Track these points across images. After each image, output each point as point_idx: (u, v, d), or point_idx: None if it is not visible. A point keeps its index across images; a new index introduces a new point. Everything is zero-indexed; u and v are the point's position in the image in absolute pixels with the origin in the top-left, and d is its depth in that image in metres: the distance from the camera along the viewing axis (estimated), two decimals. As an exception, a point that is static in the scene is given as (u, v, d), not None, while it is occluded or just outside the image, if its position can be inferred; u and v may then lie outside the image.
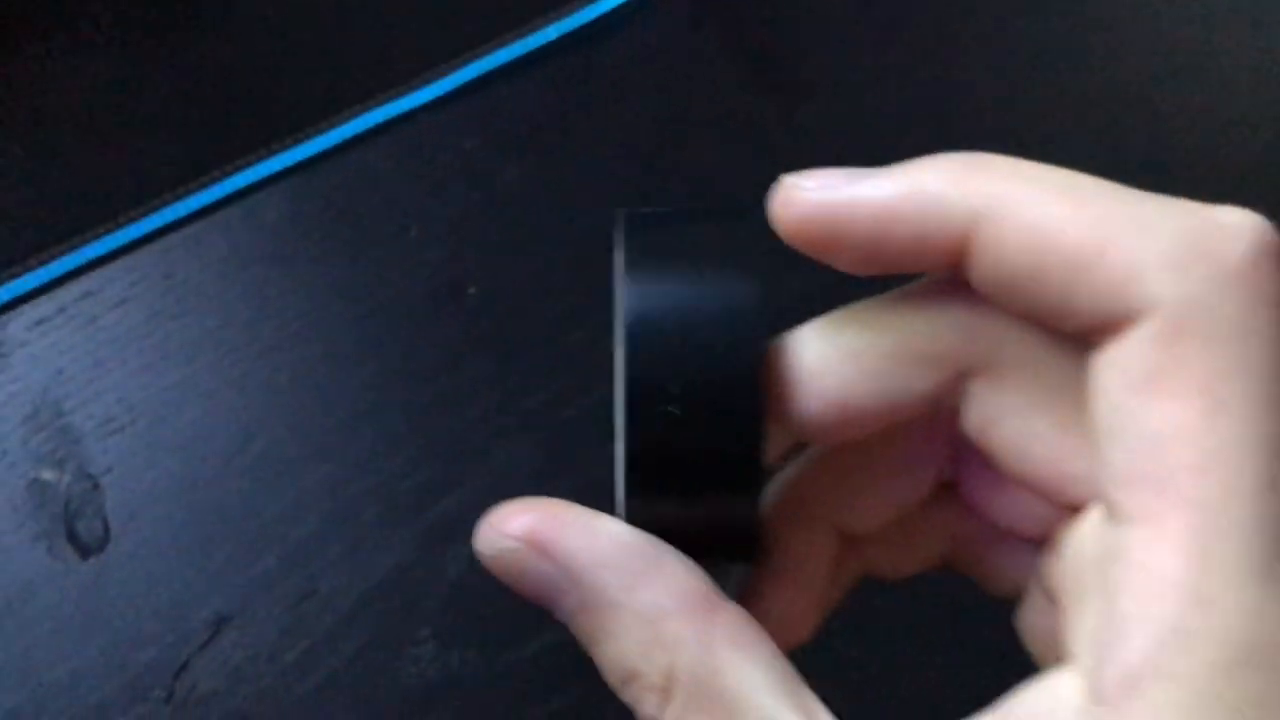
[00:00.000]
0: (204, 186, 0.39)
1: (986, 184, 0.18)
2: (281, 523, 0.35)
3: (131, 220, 0.38)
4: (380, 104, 0.41)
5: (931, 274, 0.20)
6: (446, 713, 0.34)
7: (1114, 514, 0.17)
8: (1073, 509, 0.19)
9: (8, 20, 0.40)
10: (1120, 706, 0.16)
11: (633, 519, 0.19)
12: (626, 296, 0.18)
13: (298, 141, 0.40)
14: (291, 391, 0.37)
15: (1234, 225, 0.17)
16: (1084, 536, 0.18)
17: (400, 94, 0.41)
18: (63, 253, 0.37)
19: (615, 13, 0.43)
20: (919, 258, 0.19)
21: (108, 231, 0.38)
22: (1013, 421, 0.19)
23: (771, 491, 0.22)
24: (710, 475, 0.19)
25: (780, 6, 0.43)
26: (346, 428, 0.36)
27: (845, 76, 0.44)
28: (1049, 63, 0.42)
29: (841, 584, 0.23)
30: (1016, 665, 0.19)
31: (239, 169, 0.39)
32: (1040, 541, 0.21)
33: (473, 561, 0.20)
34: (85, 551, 0.34)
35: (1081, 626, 0.18)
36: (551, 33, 0.42)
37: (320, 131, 0.40)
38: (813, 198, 0.19)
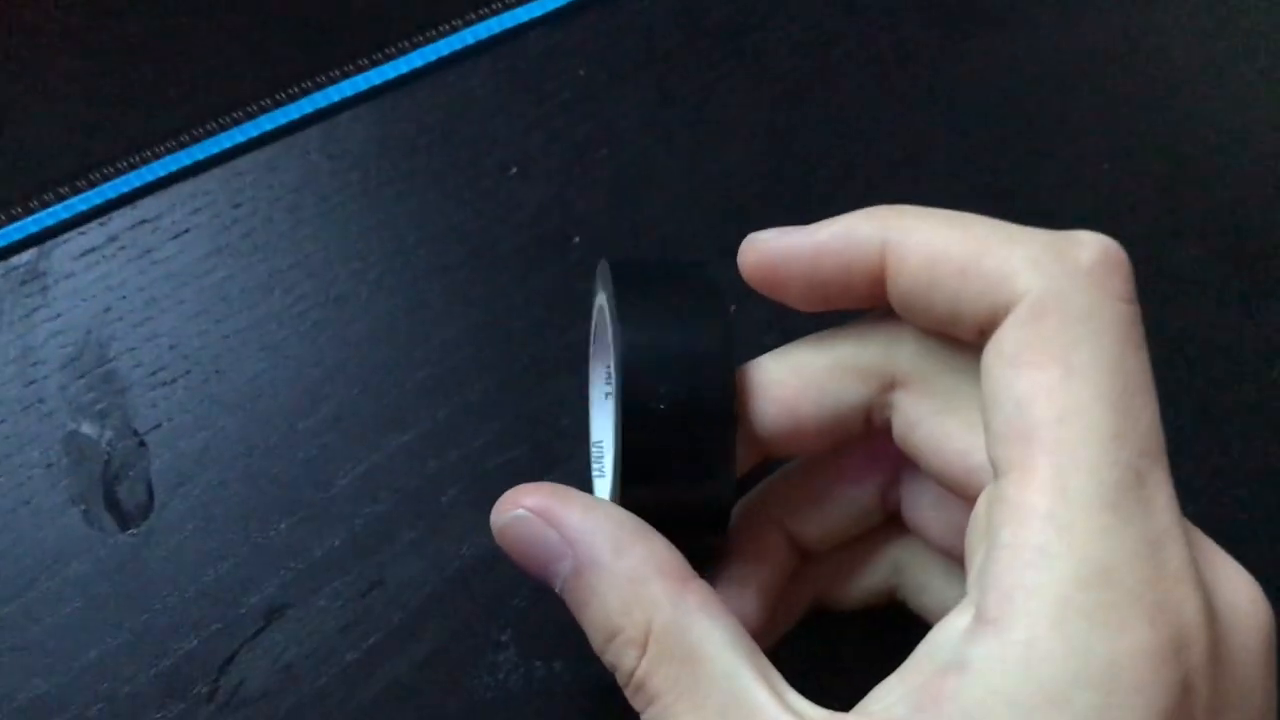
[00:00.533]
0: (279, 104, 0.34)
1: (891, 219, 0.22)
2: (348, 500, 0.30)
3: (196, 139, 0.33)
4: (484, 18, 0.35)
5: (869, 309, 0.24)
6: (527, 733, 0.29)
7: (996, 471, 0.20)
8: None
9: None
10: (997, 622, 0.19)
11: (625, 504, 0.23)
12: (620, 328, 0.23)
13: (387, 58, 0.35)
14: (368, 347, 0.32)
15: (1086, 238, 0.21)
16: (977, 505, 0.21)
17: (508, 6, 0.35)
18: (117, 173, 0.32)
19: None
20: (848, 288, 0.23)
21: (169, 151, 0.33)
22: (928, 424, 0.23)
23: (738, 504, 0.27)
24: (692, 461, 0.23)
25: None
26: (428, 393, 0.31)
27: (1024, 9, 0.38)
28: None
29: (795, 604, 0.27)
30: None
31: (319, 86, 0.34)
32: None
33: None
34: (126, 520, 0.29)
35: (971, 571, 0.21)
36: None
37: (413, 47, 0.35)
38: (765, 245, 0.23)
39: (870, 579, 0.27)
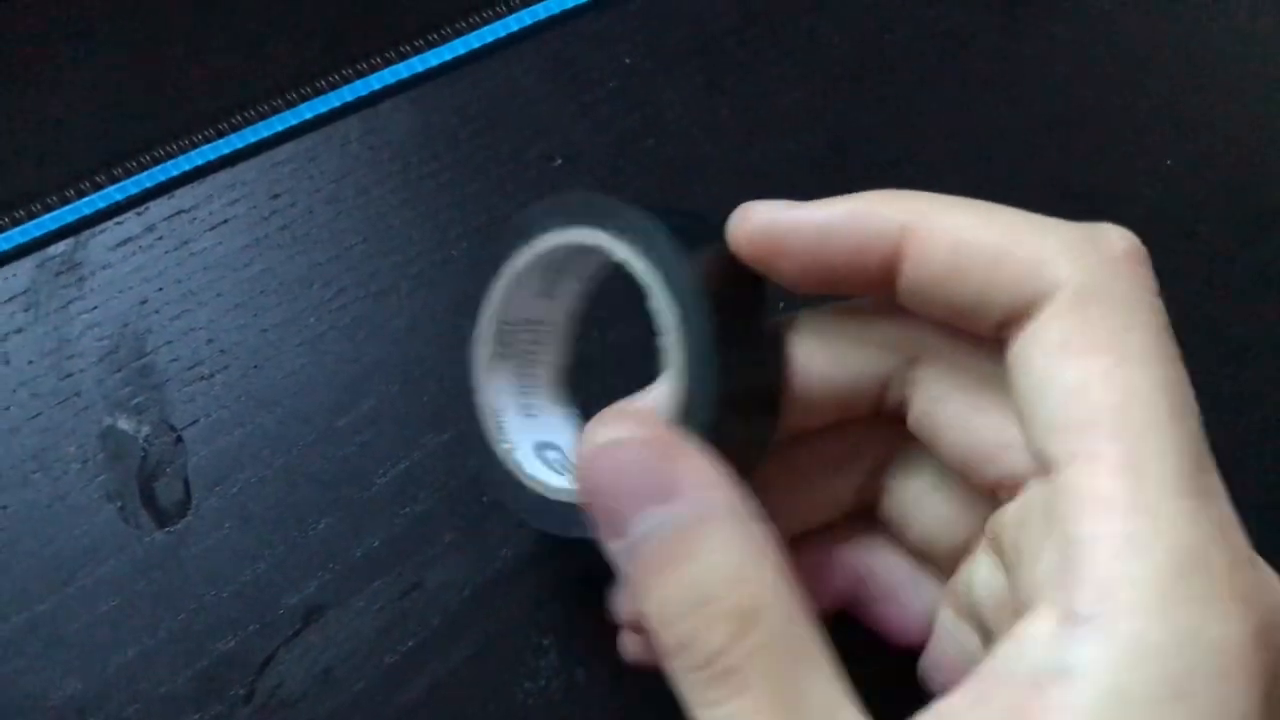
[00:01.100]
0: (319, 93, 0.33)
1: (911, 203, 0.21)
2: (387, 500, 0.29)
3: (234, 128, 0.32)
4: (528, 4, 0.34)
5: (869, 296, 0.23)
6: (569, 741, 0.28)
7: (1048, 465, 0.19)
8: (995, 490, 0.22)
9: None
10: (1097, 619, 0.17)
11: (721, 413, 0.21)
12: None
13: (429, 45, 0.34)
14: (409, 343, 0.31)
15: (1113, 230, 0.21)
16: (1026, 501, 0.21)
17: (553, -8, 0.34)
18: (154, 161, 0.32)
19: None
20: (856, 270, 0.22)
21: (206, 140, 0.32)
22: (955, 400, 0.22)
23: None
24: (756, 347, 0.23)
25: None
26: (469, 391, 0.31)
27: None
28: None
29: None
30: None
31: (360, 74, 0.33)
32: (949, 561, 0.24)
33: (605, 563, 0.20)
34: (162, 518, 0.29)
35: (1038, 571, 0.19)
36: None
37: (456, 34, 0.34)
38: (766, 216, 0.22)
39: (839, 581, 0.26)
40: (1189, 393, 0.19)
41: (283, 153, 0.33)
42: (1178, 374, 0.19)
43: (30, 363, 0.30)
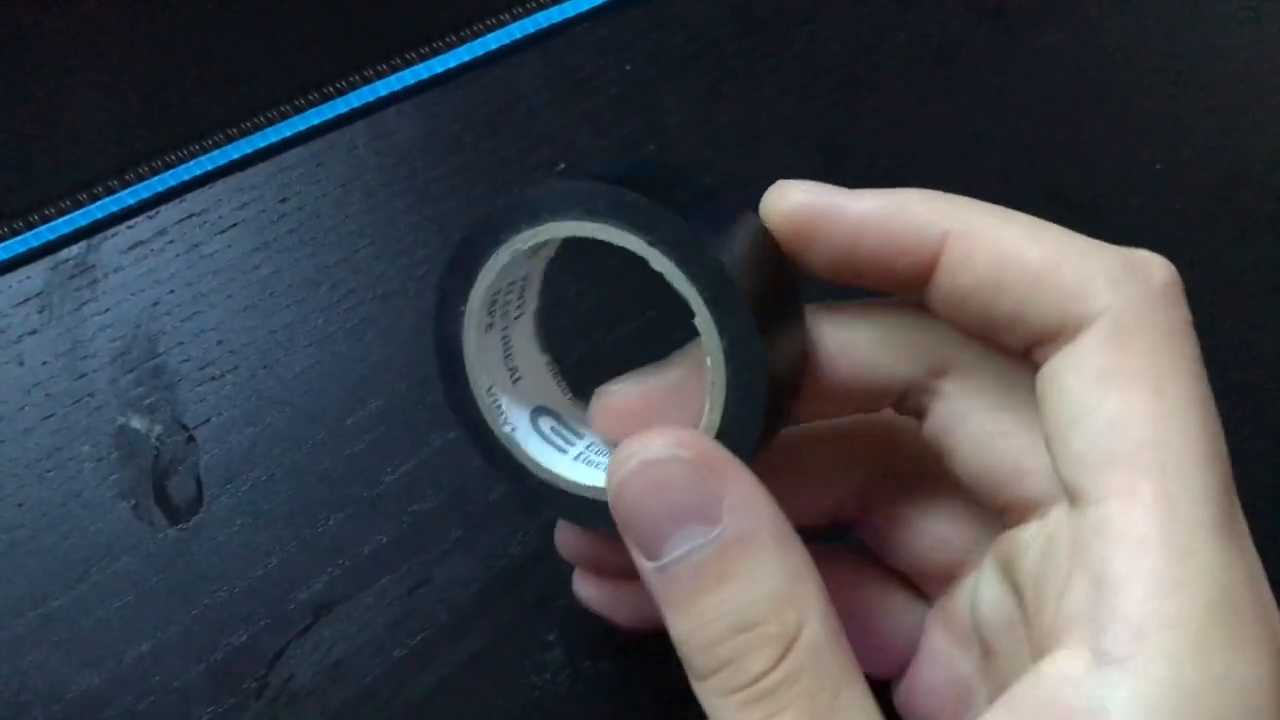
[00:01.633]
0: (326, 99, 0.34)
1: (958, 209, 0.21)
2: (395, 497, 0.30)
3: (243, 133, 0.33)
4: (531, 12, 0.35)
5: (899, 294, 0.22)
6: (576, 733, 0.29)
7: (1081, 498, 0.19)
8: (1006, 511, 0.22)
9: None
10: (1131, 660, 0.17)
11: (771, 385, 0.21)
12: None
13: (435, 53, 0.35)
14: (416, 344, 0.32)
15: (1155, 260, 0.20)
16: (1048, 529, 0.20)
17: (555, 0, 0.35)
18: (165, 166, 0.32)
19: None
20: (887, 268, 0.21)
21: (216, 145, 0.33)
22: (979, 417, 0.22)
23: None
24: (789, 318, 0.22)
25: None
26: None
27: (1078, 7, 0.38)
28: None
29: None
30: None
31: (367, 81, 0.34)
32: (938, 580, 0.24)
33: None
34: (175, 515, 0.29)
35: (1067, 605, 0.19)
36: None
37: (460, 42, 0.35)
38: (804, 197, 0.21)
39: None
40: (1221, 434, 0.19)
41: (291, 158, 0.33)
42: (1212, 414, 0.19)
43: (44, 364, 0.31)
